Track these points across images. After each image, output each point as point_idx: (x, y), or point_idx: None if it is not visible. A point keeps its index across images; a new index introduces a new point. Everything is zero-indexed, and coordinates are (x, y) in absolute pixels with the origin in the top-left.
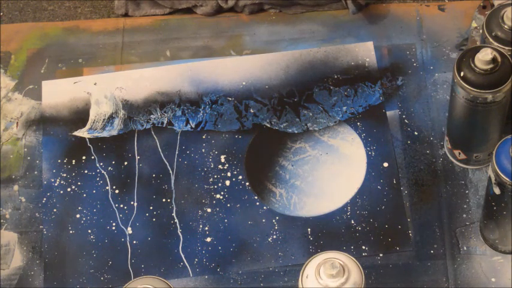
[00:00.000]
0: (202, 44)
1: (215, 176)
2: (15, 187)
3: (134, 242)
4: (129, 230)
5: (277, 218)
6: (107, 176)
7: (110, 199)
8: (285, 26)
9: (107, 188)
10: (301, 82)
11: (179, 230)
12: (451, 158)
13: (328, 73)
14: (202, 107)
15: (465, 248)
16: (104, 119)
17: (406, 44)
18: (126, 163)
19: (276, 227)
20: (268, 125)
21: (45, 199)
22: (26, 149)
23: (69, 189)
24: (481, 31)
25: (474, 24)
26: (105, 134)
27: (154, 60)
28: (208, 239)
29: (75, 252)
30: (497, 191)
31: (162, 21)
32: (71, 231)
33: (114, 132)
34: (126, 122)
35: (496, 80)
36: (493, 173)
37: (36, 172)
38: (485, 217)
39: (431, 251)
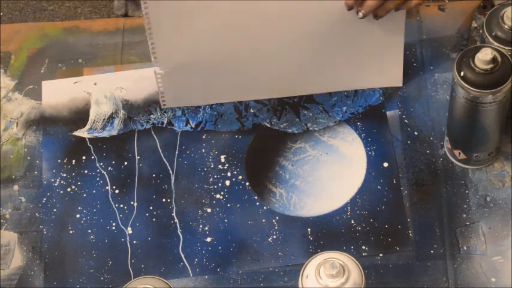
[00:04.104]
0: None
1: (215, 176)
2: (15, 187)
3: (134, 242)
4: (129, 230)
5: (277, 218)
6: (107, 176)
7: (110, 199)
8: None
9: (107, 188)
10: None
11: (179, 230)
12: (451, 158)
13: None
14: (203, 107)
15: (465, 248)
16: (104, 119)
17: (406, 44)
18: (126, 163)
19: (276, 227)
20: (268, 125)
21: (45, 199)
22: (26, 149)
23: (69, 189)
24: (481, 31)
25: (474, 24)
26: (105, 134)
27: None
28: (208, 239)
29: (75, 252)
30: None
31: None
32: (71, 231)
33: (114, 132)
34: (126, 122)
35: (496, 80)
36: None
37: (36, 172)
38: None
39: (431, 251)
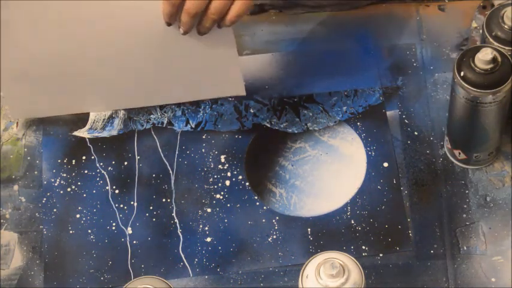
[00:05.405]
0: None
1: (215, 176)
2: (15, 187)
3: (134, 242)
4: (129, 230)
5: (277, 218)
6: (107, 176)
7: (110, 199)
8: (285, 26)
9: (107, 188)
10: None
11: (179, 230)
12: (451, 158)
13: None
14: (202, 107)
15: (465, 248)
16: (104, 119)
17: (406, 44)
18: (126, 163)
19: (276, 227)
20: (268, 125)
21: (45, 199)
22: (26, 149)
23: (69, 189)
24: (481, 31)
25: (474, 24)
26: (105, 134)
27: None
28: (208, 239)
29: (75, 252)
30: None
31: None
32: (71, 231)
33: (114, 132)
34: (126, 122)
35: (496, 80)
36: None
37: (36, 172)
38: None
39: (431, 251)
